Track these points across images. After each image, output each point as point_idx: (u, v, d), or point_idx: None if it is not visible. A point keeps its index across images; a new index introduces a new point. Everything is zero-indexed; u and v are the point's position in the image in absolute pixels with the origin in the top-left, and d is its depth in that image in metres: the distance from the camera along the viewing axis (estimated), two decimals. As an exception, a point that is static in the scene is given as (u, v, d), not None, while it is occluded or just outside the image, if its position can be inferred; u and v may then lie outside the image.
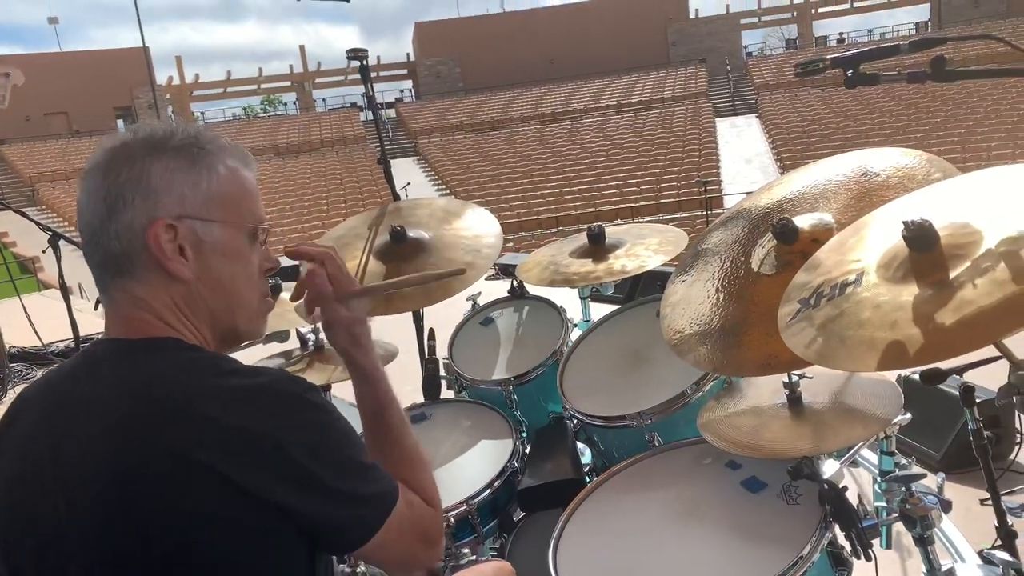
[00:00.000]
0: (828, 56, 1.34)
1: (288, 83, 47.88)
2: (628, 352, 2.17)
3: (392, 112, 39.80)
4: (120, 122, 40.17)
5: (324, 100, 47.22)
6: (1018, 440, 3.54)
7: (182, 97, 44.52)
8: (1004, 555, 1.27)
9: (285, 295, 2.75)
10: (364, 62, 2.47)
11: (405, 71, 46.99)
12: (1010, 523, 1.70)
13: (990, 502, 1.79)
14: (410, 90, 47.14)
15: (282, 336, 2.64)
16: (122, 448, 0.96)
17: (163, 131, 1.09)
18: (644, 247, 2.32)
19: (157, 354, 1.04)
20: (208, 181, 1.08)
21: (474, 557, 1.94)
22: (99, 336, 1.14)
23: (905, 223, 1.19)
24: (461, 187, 27.55)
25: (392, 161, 3.03)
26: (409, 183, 19.72)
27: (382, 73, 45.04)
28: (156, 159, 1.06)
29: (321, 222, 23.85)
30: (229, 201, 1.10)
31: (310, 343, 2.56)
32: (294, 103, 47.73)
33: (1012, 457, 3.51)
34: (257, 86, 48.62)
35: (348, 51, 2.36)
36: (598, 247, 2.37)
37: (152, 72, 40.32)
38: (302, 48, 47.94)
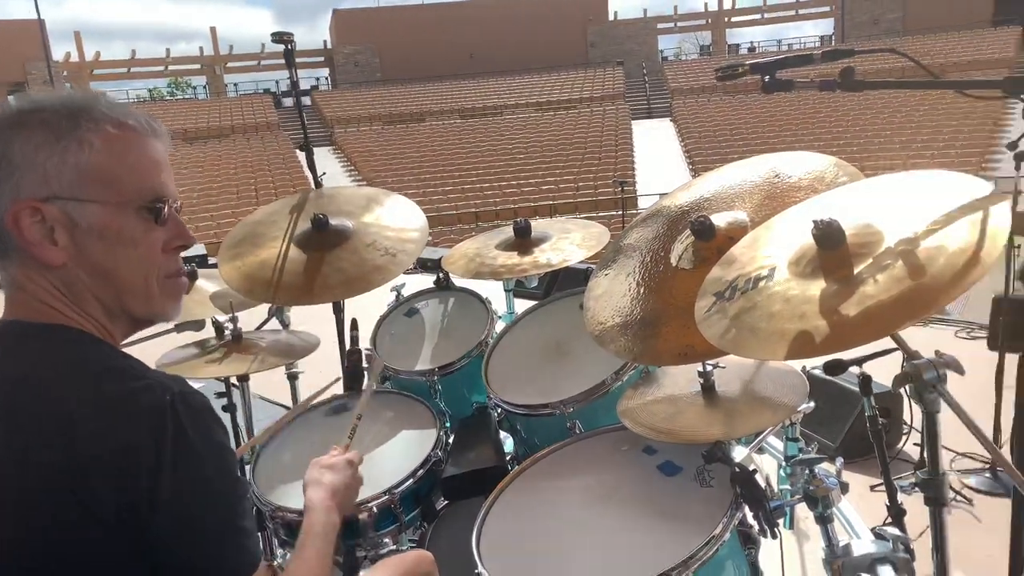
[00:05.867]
0: (748, 62, 1.42)
1: (198, 65, 45.97)
2: (551, 344, 2.22)
3: (307, 100, 38.81)
4: (11, 98, 37.59)
5: (236, 85, 45.61)
6: (905, 431, 3.82)
7: (82, 75, 42.09)
8: (894, 531, 1.38)
9: (202, 283, 2.68)
10: (289, 46, 2.43)
11: (322, 58, 45.90)
12: (900, 502, 1.84)
13: (880, 488, 1.93)
14: (326, 78, 46.11)
15: (197, 325, 2.56)
16: None
17: (34, 103, 1.01)
18: (568, 241, 2.38)
19: (40, 347, 0.98)
20: (78, 156, 0.98)
21: (395, 547, 1.95)
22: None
23: (815, 222, 1.27)
24: (378, 179, 27.12)
25: (306, 149, 2.98)
26: (324, 173, 19.24)
27: (298, 60, 43.55)
28: (17, 134, 0.98)
29: (231, 211, 23.04)
30: (107, 177, 1.00)
31: (227, 332, 2.49)
32: (204, 87, 45.87)
33: (900, 446, 3.78)
34: (164, 67, 46.40)
35: (273, 34, 2.31)
36: (524, 240, 2.41)
37: (48, 46, 37.96)
38: (213, 30, 45.91)
